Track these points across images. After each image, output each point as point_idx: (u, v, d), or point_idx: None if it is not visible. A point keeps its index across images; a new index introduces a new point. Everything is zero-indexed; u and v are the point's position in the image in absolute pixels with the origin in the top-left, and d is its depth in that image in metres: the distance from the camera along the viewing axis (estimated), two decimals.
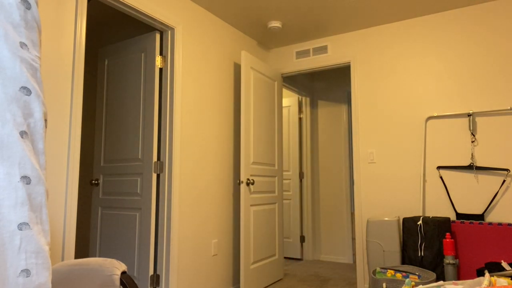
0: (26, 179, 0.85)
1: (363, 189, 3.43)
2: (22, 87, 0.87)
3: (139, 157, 2.84)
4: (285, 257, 4.74)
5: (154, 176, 2.77)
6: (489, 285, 1.43)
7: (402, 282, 2.53)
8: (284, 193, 4.78)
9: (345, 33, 3.70)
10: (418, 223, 2.89)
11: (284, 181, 4.78)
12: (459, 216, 2.99)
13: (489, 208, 2.92)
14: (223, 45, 3.41)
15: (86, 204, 3.62)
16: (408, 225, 2.95)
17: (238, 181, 3.47)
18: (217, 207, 3.17)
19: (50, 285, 0.85)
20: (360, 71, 3.58)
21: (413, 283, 2.06)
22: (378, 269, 2.77)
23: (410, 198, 3.23)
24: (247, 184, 3.23)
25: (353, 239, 4.88)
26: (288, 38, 3.83)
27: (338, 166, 4.62)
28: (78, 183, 2.13)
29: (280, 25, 3.46)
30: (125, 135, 2.96)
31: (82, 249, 3.59)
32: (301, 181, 4.75)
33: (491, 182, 2.93)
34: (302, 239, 4.68)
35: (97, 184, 3.08)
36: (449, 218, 2.85)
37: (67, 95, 2.11)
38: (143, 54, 2.94)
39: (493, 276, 2.30)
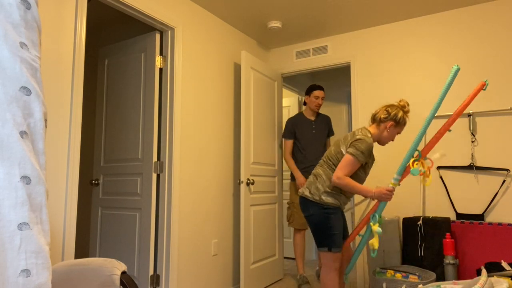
0: (26, 179, 0.85)
1: None
2: (22, 87, 0.87)
3: (139, 157, 2.84)
4: (285, 257, 4.74)
5: (154, 176, 2.77)
6: (486, 281, 1.44)
7: (402, 282, 2.53)
8: (284, 193, 4.78)
9: (345, 33, 3.70)
10: (418, 223, 2.89)
11: (284, 181, 4.78)
12: (459, 216, 2.99)
13: (489, 208, 2.92)
14: (223, 45, 3.41)
15: (86, 204, 3.62)
16: (408, 225, 2.95)
17: (238, 181, 3.47)
18: (217, 207, 3.17)
19: (50, 285, 0.85)
20: (360, 71, 3.58)
21: (421, 169, 2.08)
22: (378, 269, 2.77)
23: (410, 198, 3.23)
24: (247, 184, 3.23)
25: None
26: (288, 38, 3.83)
27: None
28: (78, 183, 2.13)
29: (280, 25, 3.46)
30: (125, 135, 2.96)
31: (82, 249, 3.59)
32: None
33: (491, 182, 2.93)
34: None
35: (97, 184, 3.08)
36: (449, 218, 2.85)
37: (67, 95, 2.11)
38: (143, 54, 2.94)
39: (493, 276, 2.30)
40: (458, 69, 2.04)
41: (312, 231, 2.34)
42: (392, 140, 2.37)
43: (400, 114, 2.29)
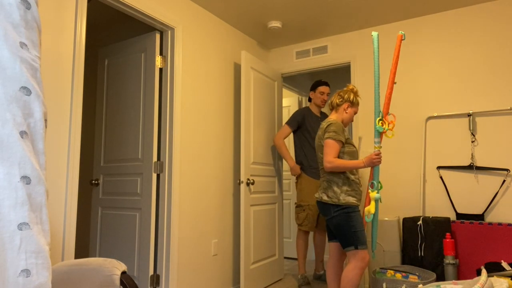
0: (26, 179, 0.84)
1: (362, 189, 3.42)
2: (22, 87, 0.87)
3: (139, 157, 2.84)
4: (285, 257, 4.74)
5: (154, 176, 2.77)
6: (486, 281, 1.44)
7: (402, 282, 2.53)
8: (284, 193, 4.78)
9: (345, 33, 3.70)
10: (418, 223, 2.89)
11: (284, 181, 4.78)
12: (459, 216, 2.99)
13: (489, 208, 2.92)
14: (223, 45, 3.41)
15: (86, 204, 3.62)
16: (408, 225, 2.95)
17: (238, 181, 3.47)
18: (217, 207, 3.17)
19: (50, 285, 0.85)
20: (360, 71, 3.58)
21: (385, 127, 2.41)
22: (378, 269, 2.77)
23: (410, 198, 3.23)
24: (247, 184, 3.23)
25: None
26: (288, 38, 3.83)
27: None
28: (78, 183, 2.13)
29: (280, 25, 3.46)
30: (125, 135, 2.96)
31: (82, 249, 3.59)
32: None
33: (491, 182, 2.93)
34: None
35: (97, 184, 3.08)
36: (449, 218, 2.85)
37: (67, 95, 2.11)
38: (143, 54, 2.94)
39: (493, 276, 2.30)
40: (377, 34, 2.38)
41: (336, 233, 2.39)
42: (352, 121, 2.62)
43: (352, 95, 2.56)
